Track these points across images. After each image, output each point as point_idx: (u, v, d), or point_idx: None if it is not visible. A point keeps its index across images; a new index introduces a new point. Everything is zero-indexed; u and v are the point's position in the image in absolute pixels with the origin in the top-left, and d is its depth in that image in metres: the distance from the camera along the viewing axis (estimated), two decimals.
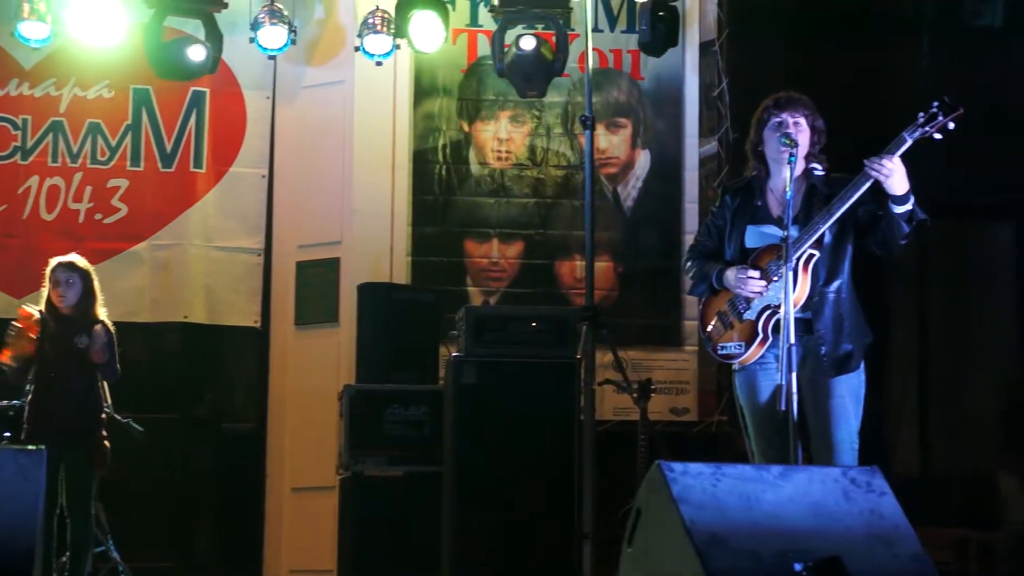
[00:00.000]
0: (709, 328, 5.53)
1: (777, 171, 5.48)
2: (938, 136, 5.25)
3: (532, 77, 8.95)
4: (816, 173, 5.49)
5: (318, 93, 9.37)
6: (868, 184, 5.22)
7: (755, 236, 5.48)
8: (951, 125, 5.24)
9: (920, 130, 5.24)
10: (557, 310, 8.21)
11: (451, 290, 9.06)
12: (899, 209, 5.26)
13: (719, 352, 5.49)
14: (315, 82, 9.38)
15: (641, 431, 7.96)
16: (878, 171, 5.18)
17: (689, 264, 5.70)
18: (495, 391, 7.43)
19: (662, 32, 8.98)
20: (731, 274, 5.43)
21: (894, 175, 5.19)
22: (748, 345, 5.36)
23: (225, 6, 8.68)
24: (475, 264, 9.36)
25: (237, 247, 9.26)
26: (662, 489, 4.29)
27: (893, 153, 5.21)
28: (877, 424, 10.32)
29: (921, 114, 5.27)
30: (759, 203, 5.52)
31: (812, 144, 5.49)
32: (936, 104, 5.26)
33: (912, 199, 5.27)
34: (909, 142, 5.23)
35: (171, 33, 8.69)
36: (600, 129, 9.26)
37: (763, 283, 5.35)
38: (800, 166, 5.42)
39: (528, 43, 8.74)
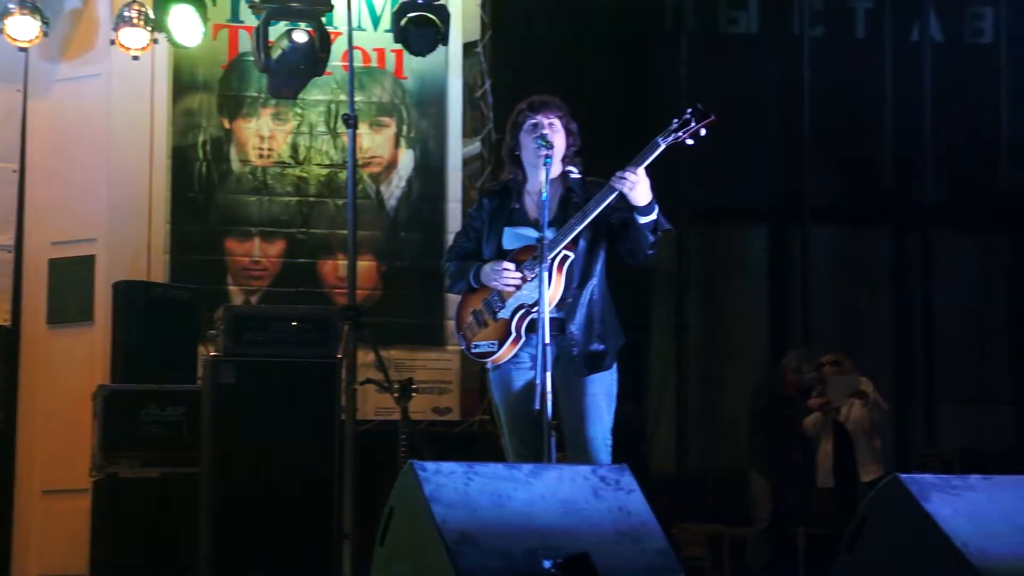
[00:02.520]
0: (464, 327, 5.56)
1: (534, 174, 5.53)
2: (690, 142, 5.35)
3: (299, 73, 8.88)
4: (572, 176, 5.54)
5: (73, 87, 9.14)
6: (615, 194, 5.29)
7: (512, 238, 5.52)
8: (703, 132, 5.35)
9: (673, 135, 5.34)
10: (318, 309, 8.19)
11: (211, 289, 8.90)
12: (643, 219, 5.34)
13: (473, 351, 5.52)
14: (70, 75, 9.15)
15: (402, 431, 7.96)
16: (621, 186, 5.26)
17: (447, 264, 5.72)
18: (254, 391, 7.39)
19: (427, 32, 9.01)
20: (488, 268, 5.47)
21: (637, 187, 5.25)
22: (501, 344, 5.39)
23: None
24: (236, 263, 9.24)
25: None
26: (414, 488, 4.29)
27: (643, 161, 5.28)
28: (638, 423, 10.54)
29: (675, 120, 5.37)
30: (516, 206, 5.56)
31: (567, 147, 5.54)
32: (689, 111, 5.37)
33: (656, 209, 5.36)
34: (662, 146, 5.32)
35: None
36: (363, 128, 9.22)
37: (518, 275, 5.38)
38: (556, 168, 5.47)
39: (301, 36, 8.66)
